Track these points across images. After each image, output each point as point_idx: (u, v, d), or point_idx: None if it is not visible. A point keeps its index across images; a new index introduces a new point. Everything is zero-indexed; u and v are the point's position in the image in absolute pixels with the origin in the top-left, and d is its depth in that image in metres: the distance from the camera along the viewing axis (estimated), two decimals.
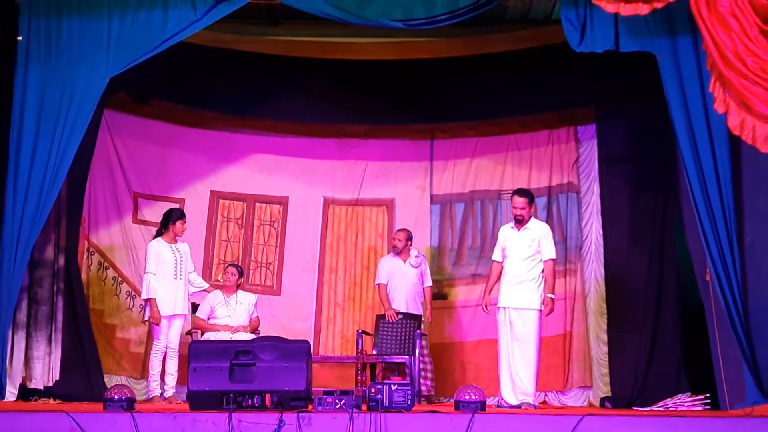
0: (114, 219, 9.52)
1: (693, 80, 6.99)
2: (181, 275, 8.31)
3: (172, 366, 8.30)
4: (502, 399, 7.50)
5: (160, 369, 8.26)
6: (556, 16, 8.31)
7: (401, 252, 9.16)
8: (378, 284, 9.27)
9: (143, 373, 9.03)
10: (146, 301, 8.21)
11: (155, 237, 8.42)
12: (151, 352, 8.29)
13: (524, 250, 7.59)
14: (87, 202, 9.12)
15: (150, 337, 8.66)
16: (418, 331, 8.91)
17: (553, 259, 7.63)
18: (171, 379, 8.29)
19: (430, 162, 10.10)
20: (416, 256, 9.18)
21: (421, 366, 8.83)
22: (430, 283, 9.25)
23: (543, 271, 7.59)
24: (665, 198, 8.73)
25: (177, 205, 9.62)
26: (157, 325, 8.13)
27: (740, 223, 6.99)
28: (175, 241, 8.39)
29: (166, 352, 8.26)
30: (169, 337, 8.26)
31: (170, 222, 8.36)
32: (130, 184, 9.61)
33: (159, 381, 8.25)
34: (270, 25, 9.16)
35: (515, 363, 7.44)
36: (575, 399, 9.19)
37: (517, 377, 7.42)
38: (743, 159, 7.02)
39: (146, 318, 8.27)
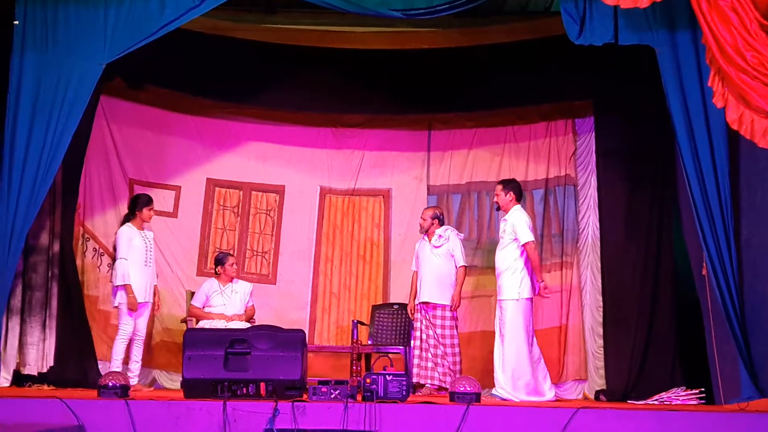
0: (109, 205, 9.48)
1: (692, 74, 6.98)
2: (149, 262, 8.22)
3: (138, 353, 8.18)
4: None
5: (123, 355, 8.13)
6: (555, 8, 8.29)
7: (427, 232, 8.62)
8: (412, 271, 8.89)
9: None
10: (120, 287, 8.07)
11: (123, 223, 8.31)
12: (117, 337, 8.11)
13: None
14: (82, 188, 9.09)
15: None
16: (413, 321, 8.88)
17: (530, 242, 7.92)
18: (136, 366, 8.18)
19: (427, 152, 10.08)
20: (439, 236, 8.53)
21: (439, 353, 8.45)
22: (461, 263, 8.49)
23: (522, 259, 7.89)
24: (662, 192, 8.71)
25: (173, 193, 9.62)
26: (135, 311, 8.04)
27: (737, 218, 7.00)
28: (143, 228, 8.29)
29: (132, 339, 8.14)
30: (138, 325, 8.15)
31: (137, 208, 8.26)
32: (125, 170, 9.58)
33: (122, 367, 8.13)
34: (268, 13, 9.11)
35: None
36: (570, 392, 9.19)
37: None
38: (741, 153, 7.03)
39: (116, 304, 8.11)
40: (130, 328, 8.08)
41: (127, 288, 8.04)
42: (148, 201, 8.32)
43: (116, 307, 8.16)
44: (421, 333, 8.47)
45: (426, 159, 10.08)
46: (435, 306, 8.44)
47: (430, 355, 8.41)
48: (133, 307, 8.03)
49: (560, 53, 8.33)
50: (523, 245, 7.77)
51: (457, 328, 8.49)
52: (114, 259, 8.30)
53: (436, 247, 8.53)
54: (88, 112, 7.82)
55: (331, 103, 9.69)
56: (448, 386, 8.17)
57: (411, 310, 8.68)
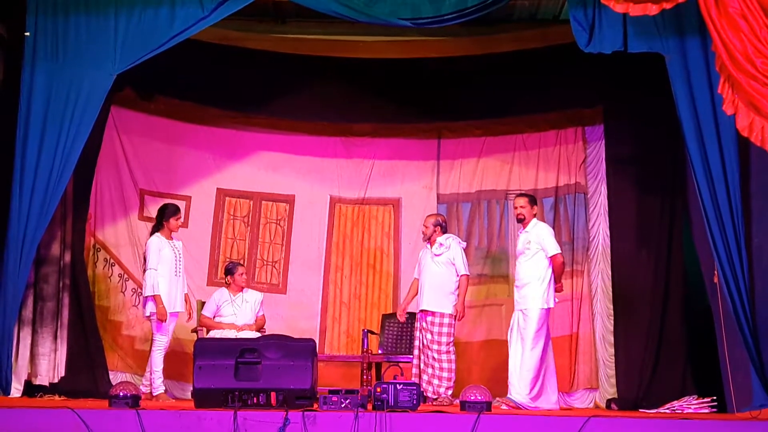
0: (120, 216, 9.52)
1: (702, 81, 6.97)
2: (179, 272, 8.23)
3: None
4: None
5: (162, 365, 8.16)
6: (564, 16, 8.32)
7: (430, 240, 8.47)
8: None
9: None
10: (150, 297, 8.07)
11: (152, 233, 8.31)
12: (154, 348, 8.09)
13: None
14: (93, 198, 9.13)
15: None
16: None
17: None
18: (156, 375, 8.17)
19: (436, 161, 10.08)
20: (440, 244, 8.38)
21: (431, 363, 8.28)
22: (464, 272, 8.33)
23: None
24: (673, 199, 8.71)
25: (183, 203, 9.64)
26: (164, 321, 8.02)
27: (748, 225, 6.98)
28: (172, 238, 8.30)
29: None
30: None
31: (164, 218, 8.26)
32: (136, 181, 9.62)
33: (163, 377, 8.18)
34: (277, 23, 9.16)
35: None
36: (581, 400, 9.17)
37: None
38: (752, 160, 7.01)
39: (148, 314, 8.11)
40: (167, 338, 8.12)
41: (156, 299, 8.02)
42: (175, 211, 8.33)
43: (148, 317, 8.16)
44: (419, 342, 8.41)
45: (435, 168, 10.09)
46: (433, 314, 8.29)
47: (429, 369, 8.28)
48: (163, 318, 7.99)
49: (569, 61, 8.33)
50: (551, 257, 7.75)
51: (453, 337, 8.32)
52: (144, 270, 8.30)
53: (436, 255, 8.41)
54: (98, 123, 7.87)
55: (340, 113, 9.72)
56: (443, 396, 8.14)
57: (401, 312, 8.64)
